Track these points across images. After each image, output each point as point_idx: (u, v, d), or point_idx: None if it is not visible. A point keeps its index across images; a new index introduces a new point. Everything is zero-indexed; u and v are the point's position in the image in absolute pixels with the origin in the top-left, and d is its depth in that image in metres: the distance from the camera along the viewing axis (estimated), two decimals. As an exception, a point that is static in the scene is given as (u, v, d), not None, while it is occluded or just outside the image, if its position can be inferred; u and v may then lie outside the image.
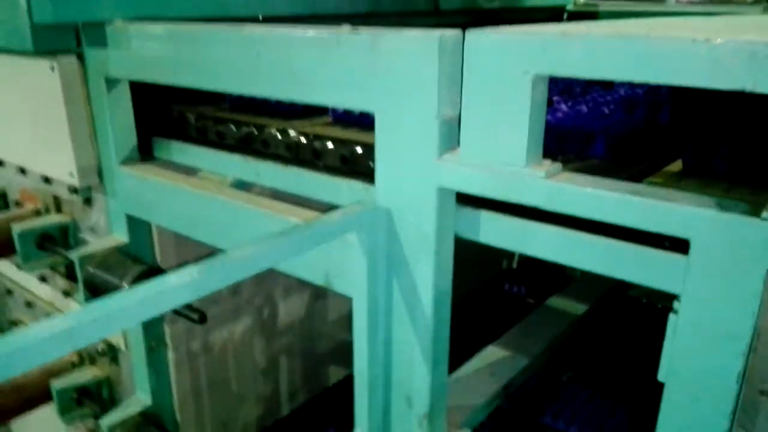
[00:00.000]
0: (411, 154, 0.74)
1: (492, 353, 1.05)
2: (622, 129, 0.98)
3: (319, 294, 1.71)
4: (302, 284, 1.65)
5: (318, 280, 0.89)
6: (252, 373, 1.58)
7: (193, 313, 1.04)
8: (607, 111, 1.13)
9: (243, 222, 0.97)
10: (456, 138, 0.72)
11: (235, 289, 1.47)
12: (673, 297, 0.63)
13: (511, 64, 0.63)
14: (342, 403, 1.88)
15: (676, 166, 0.85)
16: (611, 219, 0.61)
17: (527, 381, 1.77)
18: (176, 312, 1.08)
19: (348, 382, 1.90)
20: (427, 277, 0.77)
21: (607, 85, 1.38)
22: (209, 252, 1.38)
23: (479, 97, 0.67)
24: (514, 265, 2.65)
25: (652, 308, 2.33)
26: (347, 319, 1.83)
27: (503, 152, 0.66)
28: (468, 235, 0.78)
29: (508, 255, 2.63)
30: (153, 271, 1.14)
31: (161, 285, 0.55)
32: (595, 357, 1.88)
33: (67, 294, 1.46)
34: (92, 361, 1.51)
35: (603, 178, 0.65)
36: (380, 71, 0.73)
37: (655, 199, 0.59)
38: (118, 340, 1.36)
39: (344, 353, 1.87)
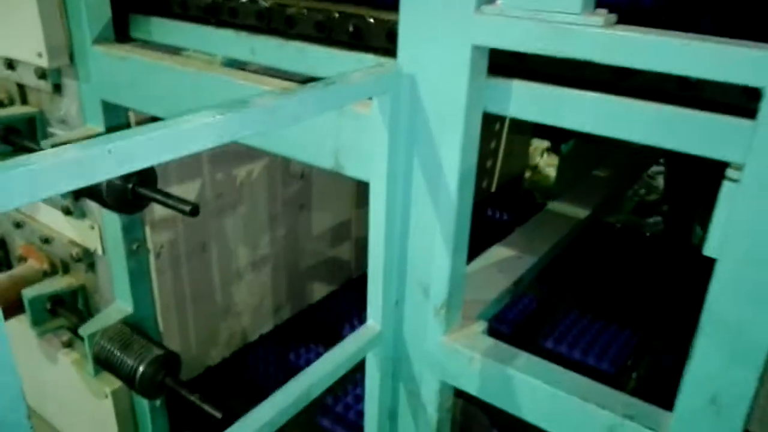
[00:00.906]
0: (442, 8, 0.66)
1: (497, 253, 1.01)
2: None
3: (304, 206, 1.64)
4: (287, 197, 1.57)
5: (326, 162, 0.82)
6: (236, 283, 1.51)
7: (185, 205, 0.96)
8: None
9: (239, 103, 0.88)
10: (495, -11, 0.64)
11: (219, 192, 1.38)
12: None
13: None
14: (326, 320, 1.85)
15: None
16: (678, 69, 0.55)
17: (526, 307, 1.78)
18: (167, 204, 1.00)
19: (331, 299, 1.86)
20: (453, 153, 0.71)
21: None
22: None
23: (531, -68, 0.58)
24: (493, 189, 2.62)
25: (639, 235, 2.34)
26: (330, 234, 1.78)
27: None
28: (498, 109, 0.71)
29: (488, 181, 2.60)
30: (136, 161, 1.04)
31: (185, 123, 0.47)
32: (591, 284, 1.88)
33: (35, 196, 1.35)
34: (66, 269, 1.42)
35: (659, 29, 0.58)
36: None
37: (726, 44, 0.52)
38: (94, 244, 1.28)
39: (328, 270, 1.82)
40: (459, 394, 0.89)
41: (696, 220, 2.62)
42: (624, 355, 1.61)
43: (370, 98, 0.71)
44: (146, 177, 1.04)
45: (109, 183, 1.01)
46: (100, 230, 1.26)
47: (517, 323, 1.74)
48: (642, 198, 4.09)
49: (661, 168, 4.58)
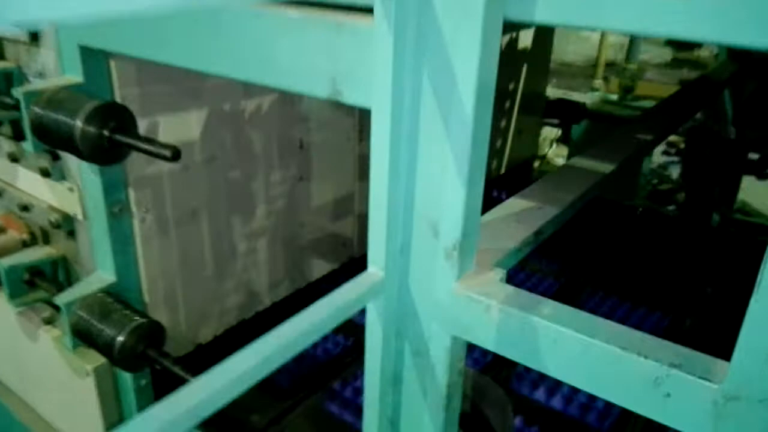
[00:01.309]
0: None
1: (514, 204, 0.91)
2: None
3: (303, 177, 1.54)
4: (285, 166, 1.48)
5: (322, 90, 0.72)
6: (230, 256, 1.42)
7: (165, 150, 0.86)
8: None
9: (231, 31, 0.79)
10: None
11: (210, 156, 1.29)
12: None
13: None
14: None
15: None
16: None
17: (547, 291, 1.69)
18: (146, 151, 0.90)
19: (332, 278, 1.76)
20: (470, 65, 0.61)
21: None
22: (174, 88, 1.19)
23: None
24: (502, 171, 2.54)
25: (662, 217, 2.25)
26: (331, 208, 1.68)
27: None
28: (521, 14, 0.61)
29: (497, 163, 2.51)
30: (112, 105, 0.95)
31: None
32: (615, 267, 1.80)
33: (14, 159, 1.26)
34: (46, 239, 1.33)
35: None
36: None
37: None
38: (74, 208, 1.18)
39: (329, 246, 1.72)
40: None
41: (714, 207, 2.54)
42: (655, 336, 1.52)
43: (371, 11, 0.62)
44: (124, 123, 0.94)
45: (83, 130, 0.92)
46: (79, 192, 1.16)
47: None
48: (654, 187, 4.02)
49: (673, 158, 4.49)
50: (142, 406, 1.30)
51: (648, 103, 3.28)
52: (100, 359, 1.26)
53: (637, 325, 1.55)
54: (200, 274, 1.36)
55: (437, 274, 0.69)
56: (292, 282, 1.61)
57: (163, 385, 1.34)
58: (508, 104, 2.36)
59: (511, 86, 2.26)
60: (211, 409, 0.52)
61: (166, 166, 1.20)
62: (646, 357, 0.57)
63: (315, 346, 1.52)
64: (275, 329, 0.60)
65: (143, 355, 1.07)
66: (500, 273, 0.72)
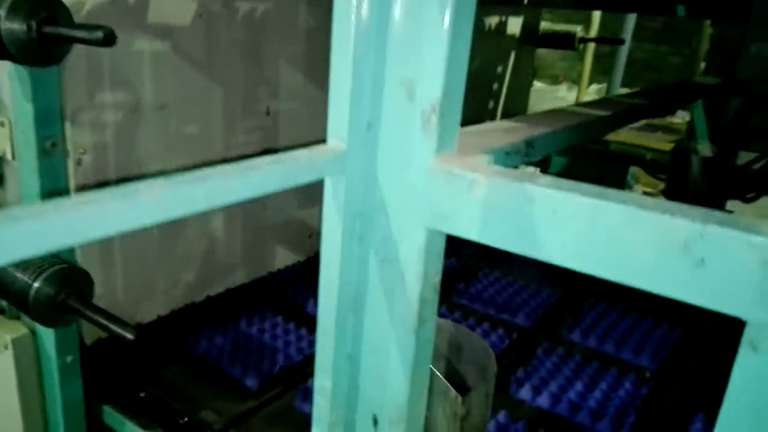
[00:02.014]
0: None
1: (500, 124, 0.80)
2: None
3: (268, 150, 1.42)
4: (249, 132, 1.36)
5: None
6: (179, 227, 1.27)
7: (96, 32, 0.74)
8: None
9: None
10: None
11: (163, 102, 1.16)
12: None
13: None
14: (287, 293, 1.59)
15: None
16: None
17: (545, 301, 1.59)
18: (78, 39, 0.78)
19: (295, 271, 1.61)
20: None
21: None
22: (124, 11, 1.07)
23: None
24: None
25: None
26: (299, 192, 1.55)
27: None
28: None
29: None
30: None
31: None
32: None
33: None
34: (-30, 192, 1.17)
35: None
36: None
37: None
38: (3, 145, 1.04)
39: (294, 235, 1.58)
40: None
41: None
42: (665, 349, 1.43)
43: None
44: (56, 15, 0.82)
45: (7, 20, 0.79)
46: (11, 127, 1.02)
47: (538, 316, 1.57)
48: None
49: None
50: (66, 387, 1.12)
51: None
52: (21, 329, 1.10)
53: (645, 338, 1.45)
54: (144, 241, 1.21)
55: (411, 148, 0.57)
56: (250, 269, 1.46)
57: (92, 365, 1.17)
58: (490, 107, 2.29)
59: (495, 87, 2.19)
60: (94, 235, 0.38)
61: (109, 101, 1.07)
62: (672, 215, 0.45)
63: (288, 344, 1.36)
64: (205, 169, 0.47)
65: (64, 306, 0.91)
66: (489, 159, 0.59)
